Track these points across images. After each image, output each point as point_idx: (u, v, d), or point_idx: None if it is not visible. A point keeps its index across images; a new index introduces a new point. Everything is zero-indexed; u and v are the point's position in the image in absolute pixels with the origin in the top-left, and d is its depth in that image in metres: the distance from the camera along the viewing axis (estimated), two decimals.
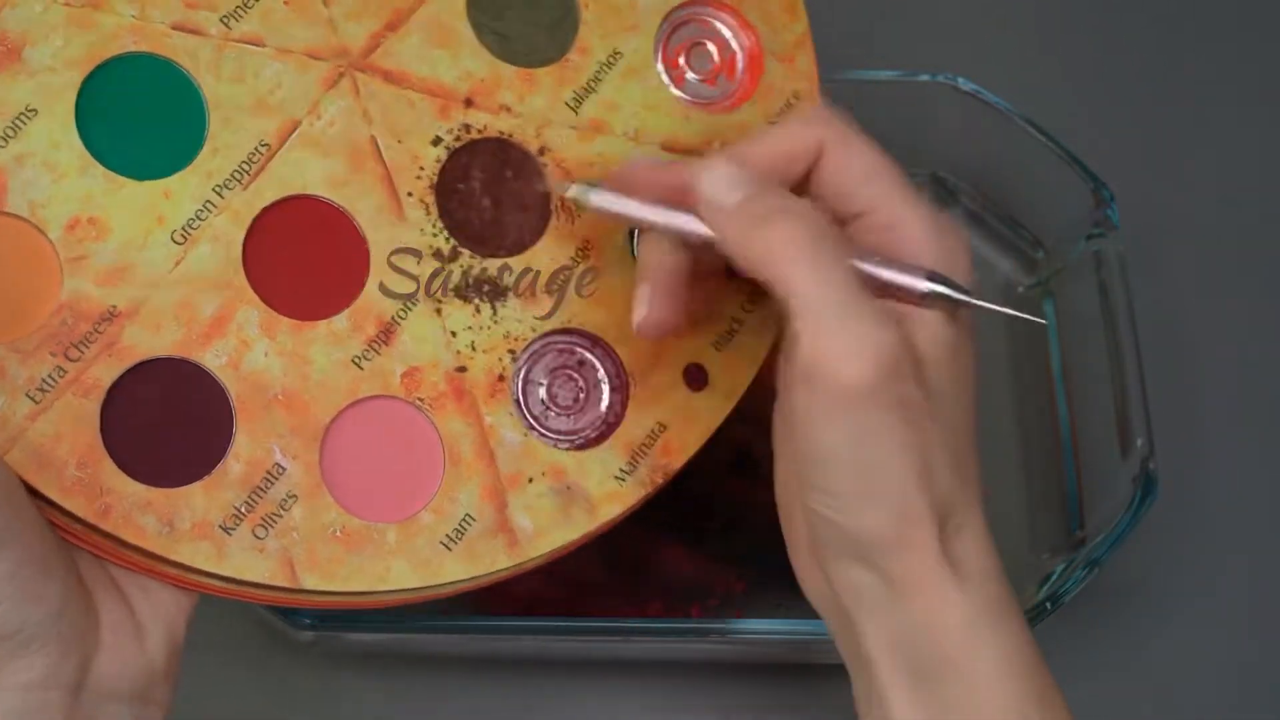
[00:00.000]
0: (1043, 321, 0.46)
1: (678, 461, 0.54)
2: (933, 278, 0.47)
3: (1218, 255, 0.78)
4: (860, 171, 0.49)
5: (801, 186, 0.50)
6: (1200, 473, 0.73)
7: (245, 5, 0.52)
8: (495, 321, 0.53)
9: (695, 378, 0.55)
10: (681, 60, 0.57)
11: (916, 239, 0.48)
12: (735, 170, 0.48)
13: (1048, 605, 0.62)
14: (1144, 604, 0.71)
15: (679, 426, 0.55)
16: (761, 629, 0.62)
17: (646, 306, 0.50)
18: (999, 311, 0.47)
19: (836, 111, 0.50)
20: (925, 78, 0.71)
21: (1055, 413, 0.71)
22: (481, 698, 0.68)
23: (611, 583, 0.66)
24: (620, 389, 0.54)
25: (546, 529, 0.53)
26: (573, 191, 0.52)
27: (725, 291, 0.55)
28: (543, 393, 0.54)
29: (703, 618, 0.66)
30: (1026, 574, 0.67)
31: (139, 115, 0.51)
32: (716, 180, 0.48)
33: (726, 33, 0.57)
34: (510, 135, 0.54)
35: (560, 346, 0.54)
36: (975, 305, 0.47)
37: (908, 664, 0.47)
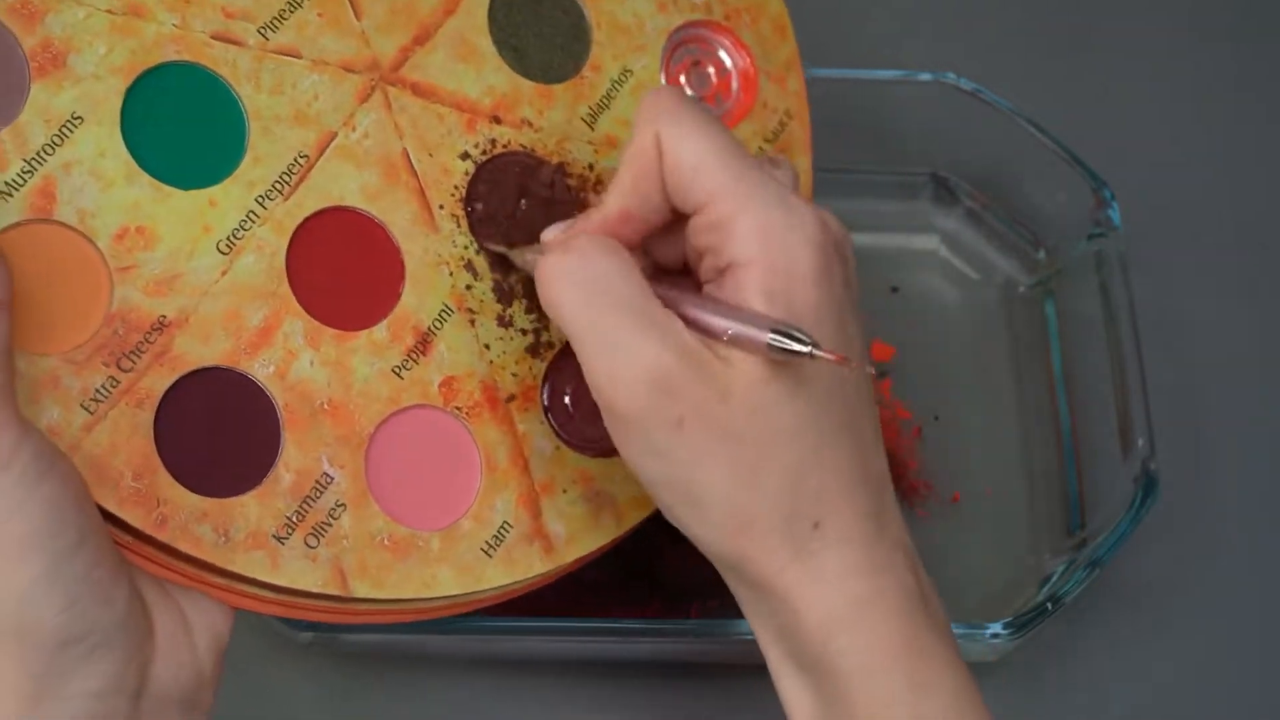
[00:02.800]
0: (871, 371, 0.46)
1: None
2: (776, 330, 0.45)
3: (1218, 255, 0.78)
4: (689, 165, 0.47)
5: None
6: (1201, 473, 0.73)
7: (281, 16, 0.52)
8: (523, 332, 0.54)
9: None
10: (682, 79, 0.59)
11: (742, 241, 0.46)
12: (548, 234, 0.51)
13: (1048, 606, 0.62)
14: (1145, 604, 0.70)
15: None
16: None
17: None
18: (831, 361, 0.44)
19: (670, 96, 0.48)
20: (925, 78, 0.71)
21: (1056, 413, 0.71)
22: (481, 698, 0.68)
23: (611, 583, 0.66)
24: None
25: (578, 535, 0.54)
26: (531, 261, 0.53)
27: None
28: (568, 400, 0.55)
29: (702, 618, 0.66)
30: (1027, 574, 0.68)
31: (182, 124, 0.50)
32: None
33: (723, 53, 0.59)
34: (532, 149, 0.55)
35: None
36: (818, 357, 0.44)
37: (789, 656, 0.49)
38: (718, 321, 0.46)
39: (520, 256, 0.53)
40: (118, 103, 0.49)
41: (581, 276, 0.47)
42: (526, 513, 0.53)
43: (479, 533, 0.52)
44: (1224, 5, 0.86)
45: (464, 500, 0.52)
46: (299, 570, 0.49)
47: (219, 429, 0.49)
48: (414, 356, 0.52)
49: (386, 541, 0.51)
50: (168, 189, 0.50)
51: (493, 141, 0.55)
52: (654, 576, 0.66)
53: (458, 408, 0.53)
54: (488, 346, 0.53)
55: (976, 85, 0.72)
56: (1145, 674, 0.69)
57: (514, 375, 0.54)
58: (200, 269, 0.50)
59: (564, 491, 0.54)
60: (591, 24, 0.57)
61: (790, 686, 0.49)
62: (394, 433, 0.52)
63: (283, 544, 0.49)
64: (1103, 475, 0.67)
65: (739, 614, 0.63)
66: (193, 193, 0.50)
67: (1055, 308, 0.73)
